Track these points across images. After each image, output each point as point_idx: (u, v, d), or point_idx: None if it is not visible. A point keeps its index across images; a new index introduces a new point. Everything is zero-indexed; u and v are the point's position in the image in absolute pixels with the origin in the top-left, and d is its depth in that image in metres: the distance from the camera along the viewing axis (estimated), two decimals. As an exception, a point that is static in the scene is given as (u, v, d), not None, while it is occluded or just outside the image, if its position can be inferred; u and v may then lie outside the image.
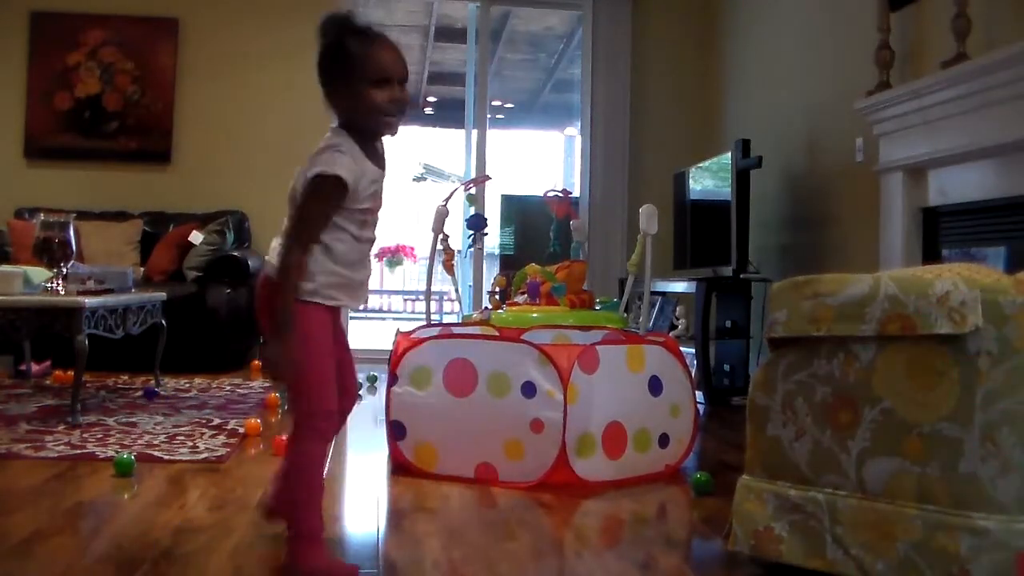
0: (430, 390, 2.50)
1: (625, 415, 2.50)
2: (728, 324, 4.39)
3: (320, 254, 1.59)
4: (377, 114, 1.60)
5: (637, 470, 2.51)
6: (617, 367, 2.52)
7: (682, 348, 2.84)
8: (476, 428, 2.45)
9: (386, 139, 1.68)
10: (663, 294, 4.79)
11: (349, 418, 2.52)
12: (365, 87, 1.58)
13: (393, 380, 2.57)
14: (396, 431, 2.55)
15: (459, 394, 2.48)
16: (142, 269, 4.85)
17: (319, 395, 1.61)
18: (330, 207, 1.58)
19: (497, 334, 2.73)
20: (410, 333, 2.74)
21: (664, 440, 2.59)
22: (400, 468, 2.53)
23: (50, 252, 3.23)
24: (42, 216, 3.34)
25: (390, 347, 2.78)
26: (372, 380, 4.35)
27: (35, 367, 4.21)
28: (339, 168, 1.54)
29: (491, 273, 6.28)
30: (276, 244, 1.62)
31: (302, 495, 1.63)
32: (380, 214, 1.69)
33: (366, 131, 1.62)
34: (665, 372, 2.63)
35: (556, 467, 2.34)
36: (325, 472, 1.74)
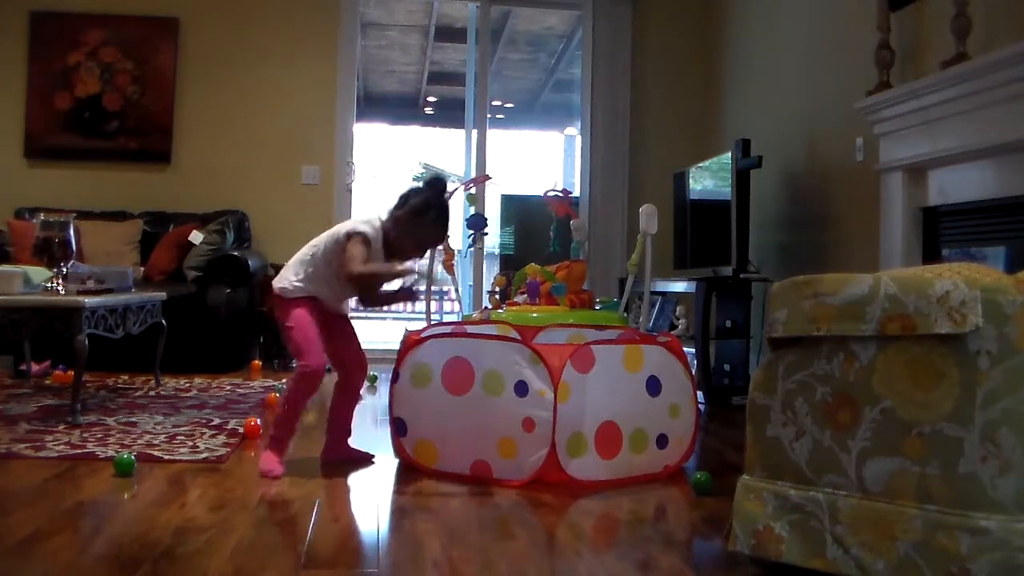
0: (430, 388, 2.51)
1: (620, 415, 2.48)
2: (728, 324, 4.39)
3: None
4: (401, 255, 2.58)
5: (633, 471, 2.49)
6: (613, 367, 2.50)
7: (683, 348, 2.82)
8: (472, 426, 2.46)
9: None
10: (663, 294, 4.79)
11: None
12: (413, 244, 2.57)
13: (396, 378, 2.60)
14: (398, 428, 2.59)
15: (456, 392, 2.48)
16: (142, 269, 4.85)
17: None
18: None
19: (503, 333, 2.72)
20: (419, 332, 2.74)
21: (662, 441, 2.57)
22: (404, 464, 2.57)
23: (50, 252, 3.22)
24: (42, 216, 3.34)
25: (393, 347, 2.80)
26: (372, 380, 4.33)
27: (35, 367, 4.21)
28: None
29: (491, 273, 6.28)
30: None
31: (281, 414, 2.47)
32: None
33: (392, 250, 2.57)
34: (664, 372, 2.60)
35: (547, 466, 2.34)
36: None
